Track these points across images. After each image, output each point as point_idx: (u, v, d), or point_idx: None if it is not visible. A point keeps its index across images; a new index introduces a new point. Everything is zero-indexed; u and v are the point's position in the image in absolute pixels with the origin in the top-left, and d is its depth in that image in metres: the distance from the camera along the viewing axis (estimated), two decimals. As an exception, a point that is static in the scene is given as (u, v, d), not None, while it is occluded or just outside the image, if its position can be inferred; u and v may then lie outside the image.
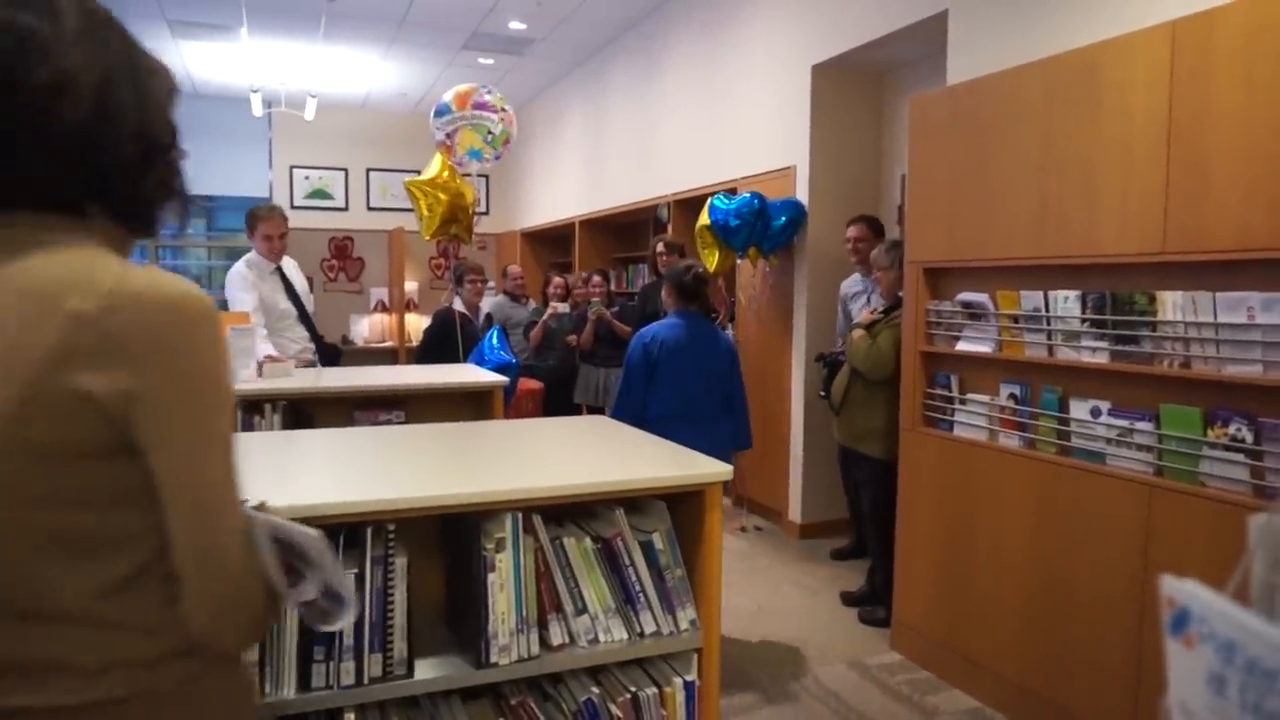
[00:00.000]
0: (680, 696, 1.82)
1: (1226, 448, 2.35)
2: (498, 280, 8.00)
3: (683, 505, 1.88)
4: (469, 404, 3.66)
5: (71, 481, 0.82)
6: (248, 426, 3.26)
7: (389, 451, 2.06)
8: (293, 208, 10.20)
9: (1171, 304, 2.49)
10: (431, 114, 4.66)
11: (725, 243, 4.63)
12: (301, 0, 5.89)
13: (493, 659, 1.67)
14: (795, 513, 5.18)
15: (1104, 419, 2.71)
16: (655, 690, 1.81)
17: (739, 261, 4.77)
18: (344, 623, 1.08)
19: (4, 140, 0.81)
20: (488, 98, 4.78)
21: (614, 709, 1.77)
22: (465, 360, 4.37)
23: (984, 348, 3.13)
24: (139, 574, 0.87)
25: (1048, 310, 2.87)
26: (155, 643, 0.88)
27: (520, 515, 1.68)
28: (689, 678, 1.84)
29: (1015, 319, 2.99)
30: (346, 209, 10.44)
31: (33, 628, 0.84)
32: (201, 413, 0.86)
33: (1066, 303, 2.80)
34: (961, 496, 3.19)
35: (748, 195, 4.62)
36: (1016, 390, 3.03)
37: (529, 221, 10.13)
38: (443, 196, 4.95)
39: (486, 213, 11.23)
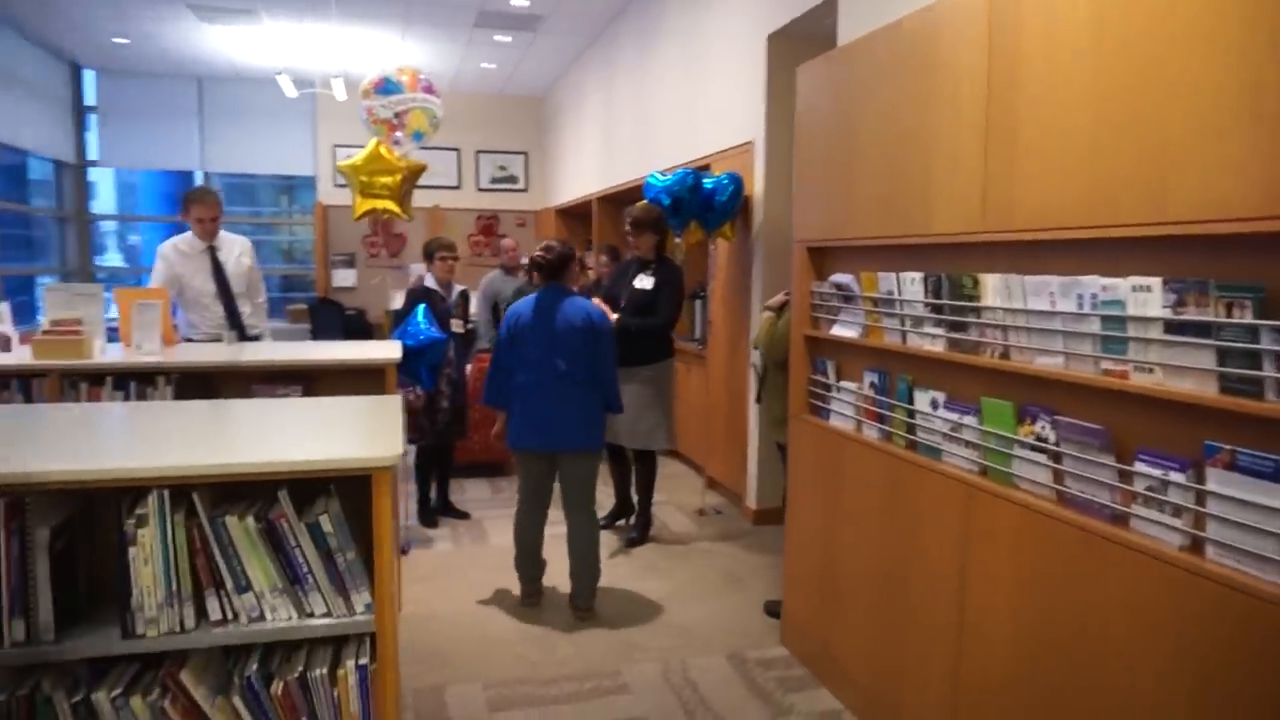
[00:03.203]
0: (353, 679, 1.81)
1: (1033, 447, 2.14)
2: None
3: (362, 488, 1.85)
4: (373, 379, 3.72)
5: None
6: (141, 396, 3.41)
7: (89, 426, 2.14)
8: (335, 186, 10.56)
9: (992, 288, 2.28)
10: (372, 90, 4.68)
11: (663, 220, 4.51)
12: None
13: (139, 630, 1.70)
14: (752, 498, 5.05)
15: (941, 411, 2.51)
16: (325, 671, 1.80)
17: (676, 240, 4.63)
18: None
19: None
20: (432, 82, 4.80)
21: (279, 687, 1.78)
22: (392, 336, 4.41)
23: (853, 333, 2.95)
24: None
25: (899, 293, 2.68)
26: None
27: (166, 492, 1.69)
28: (362, 661, 1.82)
29: (875, 302, 2.81)
30: (387, 186, 10.70)
31: None
32: None
33: (913, 285, 2.61)
34: (832, 490, 3.03)
35: (682, 172, 4.49)
36: (876, 379, 2.85)
37: (561, 198, 10.16)
38: (398, 178, 5.01)
39: (526, 190, 11.34)
